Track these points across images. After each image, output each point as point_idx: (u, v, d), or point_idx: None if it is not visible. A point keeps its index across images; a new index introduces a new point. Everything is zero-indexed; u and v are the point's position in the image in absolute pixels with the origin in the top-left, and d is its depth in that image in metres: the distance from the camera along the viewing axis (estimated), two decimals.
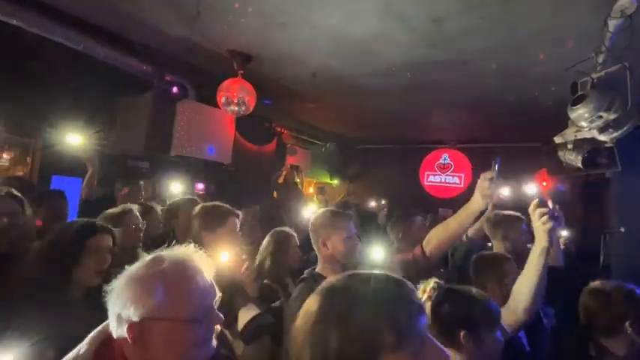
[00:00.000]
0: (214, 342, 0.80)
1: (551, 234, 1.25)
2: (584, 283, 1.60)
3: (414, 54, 3.03)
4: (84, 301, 1.26)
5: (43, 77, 3.37)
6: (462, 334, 1.04)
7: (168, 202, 2.80)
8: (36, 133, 3.48)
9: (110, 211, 1.91)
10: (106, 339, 0.77)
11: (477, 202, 1.44)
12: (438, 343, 0.62)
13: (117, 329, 0.75)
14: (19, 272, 1.28)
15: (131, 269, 0.78)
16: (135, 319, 0.73)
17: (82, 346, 0.77)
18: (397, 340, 0.57)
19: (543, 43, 2.66)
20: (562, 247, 2.35)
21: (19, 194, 1.69)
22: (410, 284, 0.65)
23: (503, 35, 2.60)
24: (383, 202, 3.91)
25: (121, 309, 0.74)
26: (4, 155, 3.70)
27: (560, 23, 2.37)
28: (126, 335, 0.73)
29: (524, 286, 1.28)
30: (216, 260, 1.43)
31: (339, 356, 0.56)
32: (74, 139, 2.44)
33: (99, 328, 0.80)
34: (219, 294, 0.83)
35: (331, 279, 0.67)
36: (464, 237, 2.34)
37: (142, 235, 1.93)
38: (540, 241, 1.26)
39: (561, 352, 1.48)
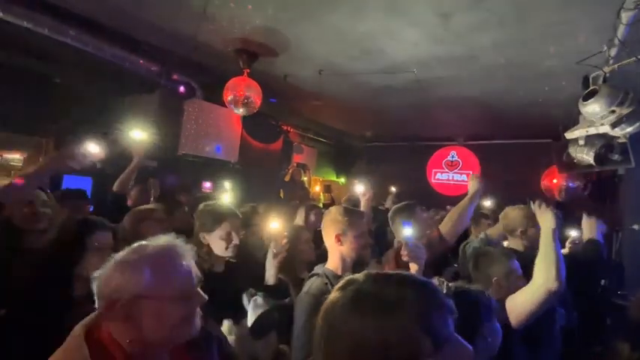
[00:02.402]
0: (198, 321, 0.86)
1: (557, 217, 1.44)
2: (596, 282, 1.56)
3: (421, 50, 2.99)
4: (87, 298, 1.26)
5: (53, 78, 3.44)
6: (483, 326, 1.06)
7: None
8: (47, 132, 3.55)
9: (140, 207, 2.00)
10: (94, 325, 0.82)
11: (471, 187, 1.95)
12: (463, 340, 0.63)
13: (106, 312, 0.79)
14: (22, 270, 1.30)
15: (118, 256, 0.84)
16: (124, 299, 0.78)
17: (72, 335, 0.80)
18: (434, 345, 0.58)
19: (554, 37, 2.60)
20: (568, 248, 2.31)
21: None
22: (434, 284, 0.66)
23: (512, 29, 2.56)
24: (393, 189, 4.11)
25: (111, 291, 0.79)
26: (18, 155, 3.79)
27: (571, 16, 2.32)
28: (116, 316, 0.78)
29: (547, 260, 1.38)
30: (267, 227, 1.63)
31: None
32: (139, 134, 2.54)
33: (87, 318, 0.84)
34: (200, 277, 0.89)
35: (357, 279, 0.66)
36: (482, 234, 2.33)
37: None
38: (548, 223, 1.45)
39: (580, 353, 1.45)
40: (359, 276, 0.66)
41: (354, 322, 0.59)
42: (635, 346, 1.34)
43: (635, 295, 1.47)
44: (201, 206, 1.73)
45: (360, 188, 2.39)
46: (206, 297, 0.87)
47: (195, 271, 0.88)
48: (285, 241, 1.62)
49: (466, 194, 1.99)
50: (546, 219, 1.47)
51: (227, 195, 3.31)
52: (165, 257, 0.84)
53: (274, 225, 1.62)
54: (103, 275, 0.81)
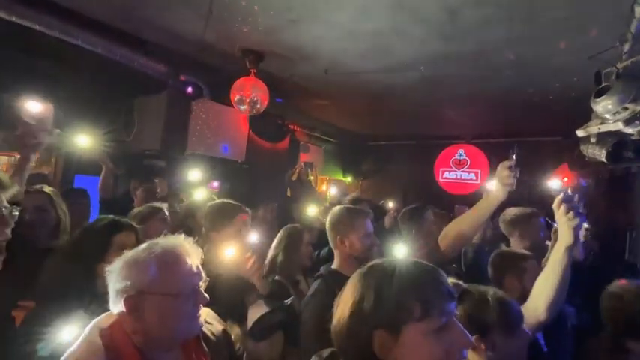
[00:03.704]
0: (201, 320, 0.90)
1: (577, 231, 1.20)
2: (608, 282, 1.53)
3: (428, 47, 2.97)
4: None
5: (64, 79, 3.49)
6: (474, 337, 0.99)
7: (184, 201, 2.90)
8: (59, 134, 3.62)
9: (143, 207, 2.00)
10: (109, 318, 0.87)
11: (497, 192, 1.47)
12: (463, 328, 0.69)
13: (116, 304, 0.85)
14: (48, 268, 1.33)
15: (130, 252, 0.89)
16: (131, 293, 0.83)
17: (89, 327, 0.85)
18: (422, 312, 0.67)
19: (564, 32, 2.55)
20: (582, 239, 2.23)
21: (50, 192, 1.78)
22: (443, 273, 0.73)
23: (522, 25, 2.51)
24: (391, 204, 3.70)
25: (120, 285, 0.85)
26: None
27: (582, 10, 2.27)
28: (124, 309, 0.84)
29: (546, 285, 1.23)
30: (222, 256, 1.43)
31: (373, 316, 0.68)
32: (83, 140, 2.53)
33: (105, 312, 0.89)
34: (205, 278, 0.93)
35: (375, 260, 0.77)
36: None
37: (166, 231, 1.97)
38: (565, 239, 1.21)
39: (585, 354, 1.42)
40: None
41: (360, 283, 0.72)
42: None
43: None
44: (208, 206, 1.73)
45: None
46: (208, 297, 0.91)
47: (200, 270, 0.91)
48: (251, 261, 1.45)
49: (472, 194, 1.88)
50: (564, 233, 1.22)
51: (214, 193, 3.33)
52: (171, 255, 0.88)
53: (230, 252, 1.42)
54: (114, 270, 0.87)
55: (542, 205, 2.12)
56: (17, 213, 1.06)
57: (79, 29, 2.79)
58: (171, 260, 0.87)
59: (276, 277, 1.85)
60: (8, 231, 1.06)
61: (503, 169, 1.44)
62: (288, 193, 5.08)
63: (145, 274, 0.84)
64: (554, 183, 1.33)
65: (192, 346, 0.92)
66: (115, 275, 0.86)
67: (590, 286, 1.71)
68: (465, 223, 1.55)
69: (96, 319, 0.87)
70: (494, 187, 1.51)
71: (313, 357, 0.80)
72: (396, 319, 0.67)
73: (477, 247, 2.26)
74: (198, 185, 3.23)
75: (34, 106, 1.50)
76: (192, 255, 0.91)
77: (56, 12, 2.66)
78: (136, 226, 1.44)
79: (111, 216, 1.46)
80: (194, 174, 3.02)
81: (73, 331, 0.96)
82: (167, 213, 1.99)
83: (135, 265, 0.86)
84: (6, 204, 1.06)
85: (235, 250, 1.44)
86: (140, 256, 0.87)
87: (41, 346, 0.99)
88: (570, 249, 1.21)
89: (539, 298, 1.24)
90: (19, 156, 1.52)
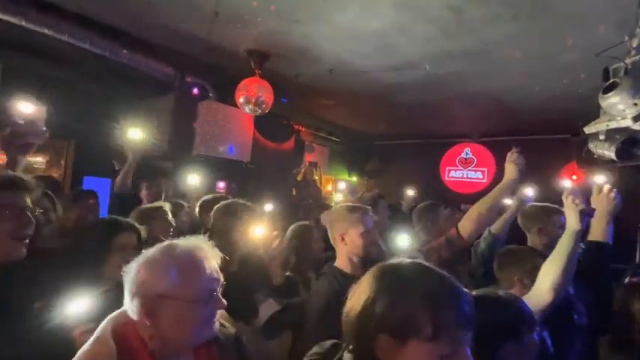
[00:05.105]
0: (217, 324, 0.88)
1: (583, 217, 1.30)
2: (619, 281, 1.52)
3: (433, 46, 2.95)
4: (114, 293, 1.31)
5: (72, 82, 3.55)
6: (506, 343, 0.94)
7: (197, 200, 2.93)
8: (68, 136, 3.68)
9: (145, 206, 2.03)
10: (122, 319, 0.85)
11: (509, 173, 1.74)
12: (470, 356, 0.66)
13: (132, 307, 0.83)
14: (51, 269, 1.35)
15: (147, 253, 0.86)
16: (149, 296, 0.81)
17: (100, 329, 0.84)
18: (433, 334, 0.63)
19: (572, 28, 2.52)
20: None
21: (50, 193, 1.81)
22: (468, 296, 0.69)
23: (528, 21, 2.49)
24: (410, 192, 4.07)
25: (137, 288, 0.82)
26: (40, 158, 3.94)
27: (590, 6, 2.24)
28: (139, 313, 0.81)
29: (553, 266, 1.28)
30: (251, 235, 1.50)
31: (382, 320, 0.66)
32: (135, 133, 2.45)
33: (117, 311, 0.87)
34: (222, 281, 0.90)
35: (386, 264, 0.75)
36: (486, 232, 2.26)
37: (171, 230, 2.00)
38: (572, 224, 1.30)
39: (597, 353, 1.41)
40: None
41: (376, 284, 0.69)
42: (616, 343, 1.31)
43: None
44: (229, 204, 1.73)
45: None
46: (225, 302, 0.88)
47: (218, 274, 0.89)
48: (276, 242, 1.52)
49: (479, 192, 1.92)
50: (570, 219, 1.31)
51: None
52: (191, 260, 0.86)
53: (259, 231, 1.49)
54: (131, 271, 0.84)
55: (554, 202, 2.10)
56: (38, 213, 1.06)
57: (87, 32, 2.84)
58: (191, 265, 0.85)
59: (288, 274, 1.85)
60: (31, 231, 1.08)
61: (512, 153, 1.76)
62: (294, 193, 5.09)
63: (165, 279, 0.81)
64: (566, 182, 1.40)
65: (203, 349, 0.91)
66: (131, 277, 0.83)
67: (601, 286, 1.69)
68: (482, 208, 1.71)
69: (108, 318, 0.86)
70: (506, 168, 1.76)
71: (315, 346, 0.82)
72: (404, 330, 0.65)
73: (492, 240, 2.20)
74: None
75: (25, 107, 1.42)
76: (212, 259, 0.89)
77: (65, 16, 2.71)
78: (139, 226, 1.44)
79: (112, 216, 1.46)
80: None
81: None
82: (169, 213, 2.01)
83: (153, 268, 0.83)
84: (30, 205, 1.08)
85: (263, 230, 1.50)
86: (159, 258, 0.84)
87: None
88: (577, 234, 1.29)
89: (546, 278, 1.27)
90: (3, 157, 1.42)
